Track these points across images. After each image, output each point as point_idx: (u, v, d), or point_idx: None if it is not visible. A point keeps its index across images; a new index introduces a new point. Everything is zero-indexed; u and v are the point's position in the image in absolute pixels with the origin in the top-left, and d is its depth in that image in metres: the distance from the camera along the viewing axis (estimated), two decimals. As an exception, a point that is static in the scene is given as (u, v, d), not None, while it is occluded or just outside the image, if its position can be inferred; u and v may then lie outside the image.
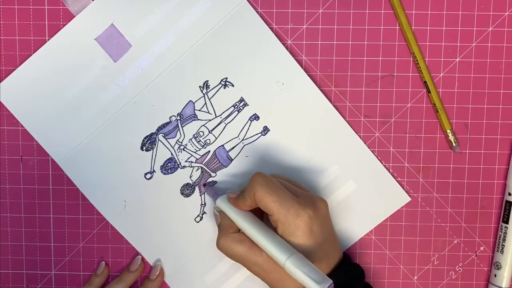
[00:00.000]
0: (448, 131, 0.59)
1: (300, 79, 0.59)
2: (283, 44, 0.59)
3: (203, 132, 0.60)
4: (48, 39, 0.59)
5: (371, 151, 0.60)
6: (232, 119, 0.60)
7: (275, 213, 0.51)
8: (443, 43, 0.59)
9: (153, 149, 0.60)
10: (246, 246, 0.52)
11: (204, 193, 0.60)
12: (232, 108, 0.59)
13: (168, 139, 0.60)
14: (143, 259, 0.62)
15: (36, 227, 0.62)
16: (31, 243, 0.62)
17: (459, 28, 0.59)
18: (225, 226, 0.54)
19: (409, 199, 0.60)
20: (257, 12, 0.59)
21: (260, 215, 0.55)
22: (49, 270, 0.63)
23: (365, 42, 0.59)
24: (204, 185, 0.61)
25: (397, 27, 0.59)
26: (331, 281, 0.47)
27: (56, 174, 0.61)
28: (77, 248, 0.62)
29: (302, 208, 0.50)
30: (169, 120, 0.60)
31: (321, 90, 0.59)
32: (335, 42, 0.59)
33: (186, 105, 0.59)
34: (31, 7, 0.59)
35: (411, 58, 0.59)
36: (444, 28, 0.59)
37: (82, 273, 0.63)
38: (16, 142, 0.61)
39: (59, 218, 0.62)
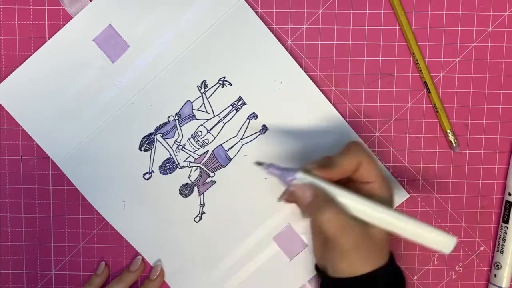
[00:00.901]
0: (448, 131, 0.59)
1: (298, 77, 0.59)
2: (283, 44, 0.59)
3: (201, 131, 0.60)
4: (48, 39, 0.59)
5: (371, 151, 0.60)
6: (231, 118, 0.60)
7: (377, 180, 0.51)
8: (443, 43, 0.59)
9: (151, 149, 0.60)
10: (350, 216, 0.49)
11: (203, 193, 0.60)
12: (231, 107, 0.59)
13: (166, 139, 0.60)
14: (143, 259, 0.62)
15: (36, 227, 0.62)
16: (31, 243, 0.62)
17: (459, 28, 0.59)
18: (325, 196, 0.49)
19: (407, 195, 0.60)
20: (257, 12, 0.59)
21: None
22: (49, 270, 0.63)
23: (365, 42, 0.59)
24: (260, 164, 0.52)
25: (397, 27, 0.59)
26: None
27: (56, 174, 0.61)
28: (77, 248, 0.62)
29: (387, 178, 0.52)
30: (167, 120, 0.60)
31: (321, 90, 0.59)
32: (335, 42, 0.59)
33: (184, 104, 0.59)
34: (31, 7, 0.59)
35: (411, 58, 0.59)
36: (444, 28, 0.59)
37: (82, 273, 0.63)
38: (16, 142, 0.61)
39: (59, 218, 0.62)
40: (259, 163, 0.52)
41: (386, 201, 0.50)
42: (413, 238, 0.48)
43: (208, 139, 0.60)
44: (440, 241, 0.48)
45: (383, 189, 0.51)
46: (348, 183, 0.52)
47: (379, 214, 0.49)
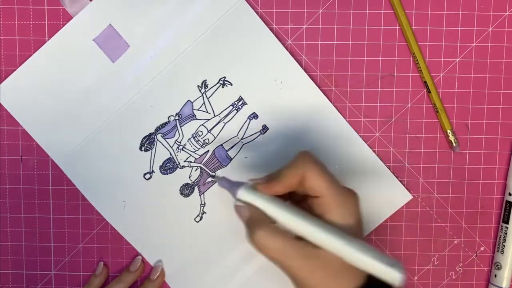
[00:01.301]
0: (448, 131, 0.59)
1: (298, 77, 0.59)
2: (283, 44, 0.59)
3: (201, 131, 0.60)
4: (48, 39, 0.59)
5: (372, 151, 0.60)
6: (231, 118, 0.60)
7: (326, 195, 0.46)
8: (443, 43, 0.59)
9: (152, 149, 0.60)
10: (289, 237, 0.45)
11: (203, 192, 0.60)
12: (231, 107, 0.59)
13: (166, 139, 0.60)
14: (143, 259, 0.62)
15: (36, 227, 0.62)
16: (31, 243, 0.62)
17: (459, 28, 0.59)
18: (259, 216, 0.47)
19: (410, 197, 0.60)
20: (257, 12, 0.59)
21: None
22: (49, 270, 0.63)
23: (365, 42, 0.59)
24: (213, 176, 0.58)
25: (397, 27, 0.59)
26: (402, 264, 0.43)
27: (56, 174, 0.61)
28: (77, 248, 0.62)
29: (351, 193, 0.48)
30: (167, 120, 0.60)
31: (321, 90, 0.59)
32: (335, 42, 0.59)
33: (184, 104, 0.59)
34: (31, 7, 0.59)
35: (411, 58, 0.59)
36: (444, 28, 0.59)
37: (82, 273, 0.63)
38: (16, 142, 0.61)
39: (59, 218, 0.62)
40: (212, 176, 0.55)
41: (339, 220, 0.46)
42: (359, 265, 0.44)
43: (208, 139, 0.60)
44: (387, 273, 0.43)
45: (332, 206, 0.46)
46: (304, 199, 0.49)
47: (320, 235, 0.44)
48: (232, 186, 0.50)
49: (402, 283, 0.42)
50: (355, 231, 0.46)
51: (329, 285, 0.45)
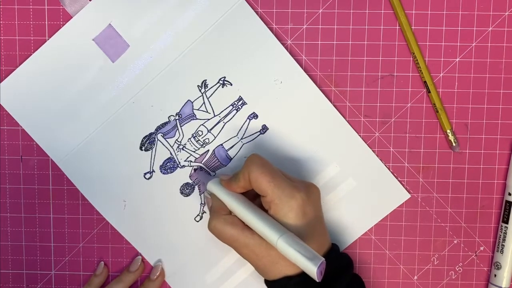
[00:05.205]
0: (448, 131, 0.59)
1: (298, 77, 0.59)
2: (283, 44, 0.59)
3: (202, 131, 0.60)
4: (48, 39, 0.59)
5: (372, 151, 0.60)
6: (231, 118, 0.60)
7: (269, 193, 0.51)
8: (443, 43, 0.59)
9: (152, 149, 0.60)
10: (238, 228, 0.52)
11: (203, 192, 0.60)
12: (231, 107, 0.60)
13: (167, 139, 0.60)
14: (143, 259, 0.62)
15: (36, 227, 0.62)
16: (31, 243, 0.62)
17: (459, 28, 0.59)
18: (216, 208, 0.54)
19: (408, 195, 0.60)
20: (257, 12, 0.59)
21: (252, 200, 0.55)
22: (49, 270, 0.63)
23: (365, 42, 0.59)
24: (195, 170, 0.60)
25: (397, 27, 0.59)
26: (323, 259, 0.47)
27: (56, 174, 0.61)
28: (77, 248, 0.62)
29: (296, 190, 0.51)
30: (168, 120, 0.60)
31: (321, 90, 0.59)
32: (335, 42, 0.59)
33: (184, 104, 0.60)
34: (31, 7, 0.59)
35: (411, 58, 0.59)
36: (444, 28, 0.59)
37: (82, 273, 0.63)
38: (16, 142, 0.61)
39: (59, 218, 0.62)
40: (194, 169, 0.60)
41: (280, 216, 0.51)
42: (287, 256, 0.48)
43: (208, 138, 0.60)
44: (305, 265, 0.47)
45: (274, 203, 0.51)
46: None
47: (258, 226, 0.50)
48: (206, 178, 0.58)
49: (317, 275, 0.46)
50: (300, 226, 0.51)
51: (271, 269, 0.51)
